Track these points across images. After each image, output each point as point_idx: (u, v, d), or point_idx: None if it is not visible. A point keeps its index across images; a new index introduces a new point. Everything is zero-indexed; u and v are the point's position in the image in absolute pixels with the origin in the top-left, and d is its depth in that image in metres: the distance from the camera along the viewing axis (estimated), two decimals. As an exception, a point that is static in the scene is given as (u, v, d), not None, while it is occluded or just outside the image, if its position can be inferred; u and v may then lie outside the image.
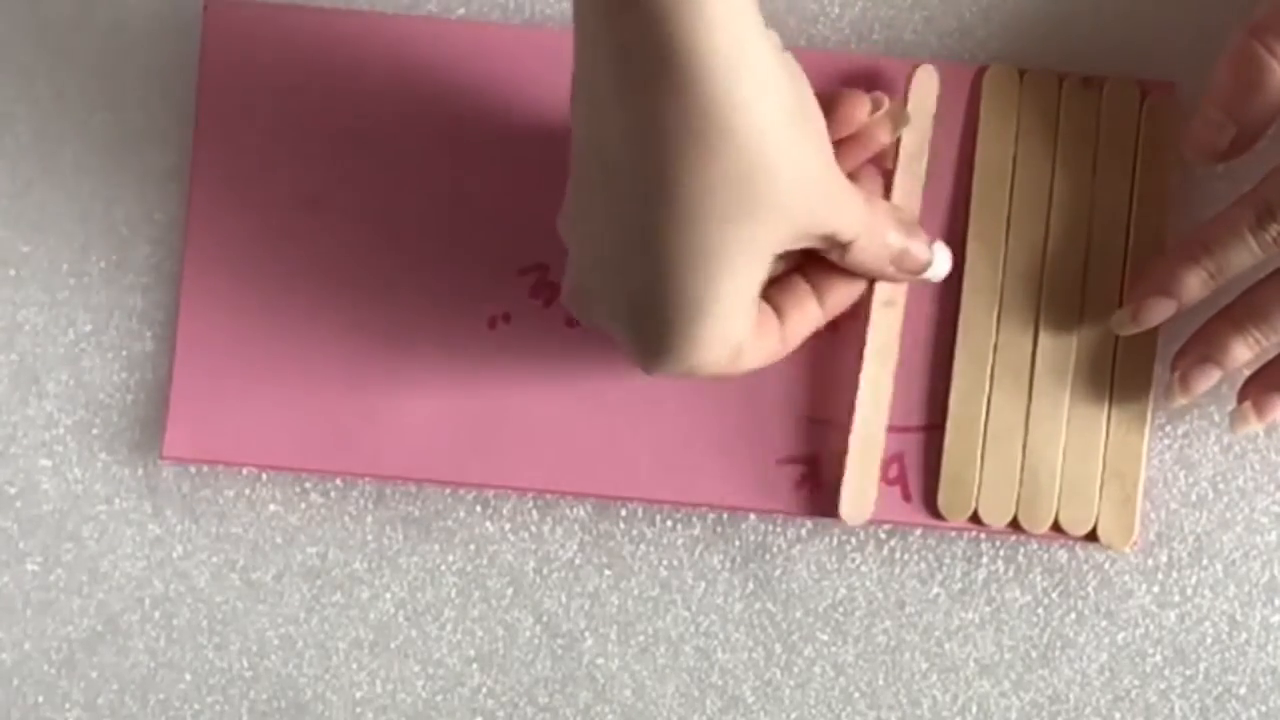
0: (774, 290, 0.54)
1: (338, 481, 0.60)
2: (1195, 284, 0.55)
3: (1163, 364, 0.57)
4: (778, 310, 0.53)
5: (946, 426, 0.58)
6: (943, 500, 0.58)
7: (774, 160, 0.47)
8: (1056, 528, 0.57)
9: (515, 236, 0.59)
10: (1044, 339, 0.58)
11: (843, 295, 0.55)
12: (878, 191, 0.56)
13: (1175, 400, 0.56)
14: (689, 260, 0.47)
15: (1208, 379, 0.56)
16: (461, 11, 0.59)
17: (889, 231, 0.53)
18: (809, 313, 0.54)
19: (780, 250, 0.49)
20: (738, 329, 0.50)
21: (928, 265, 0.55)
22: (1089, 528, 0.57)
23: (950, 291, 0.58)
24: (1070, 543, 0.58)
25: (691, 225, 0.47)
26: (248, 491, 0.60)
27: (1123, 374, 0.57)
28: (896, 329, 0.57)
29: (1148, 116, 0.57)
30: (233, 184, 0.59)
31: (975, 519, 0.58)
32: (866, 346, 0.57)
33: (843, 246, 0.52)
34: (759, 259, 0.49)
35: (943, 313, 0.58)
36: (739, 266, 0.48)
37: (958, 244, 0.57)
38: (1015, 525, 0.57)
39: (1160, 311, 0.55)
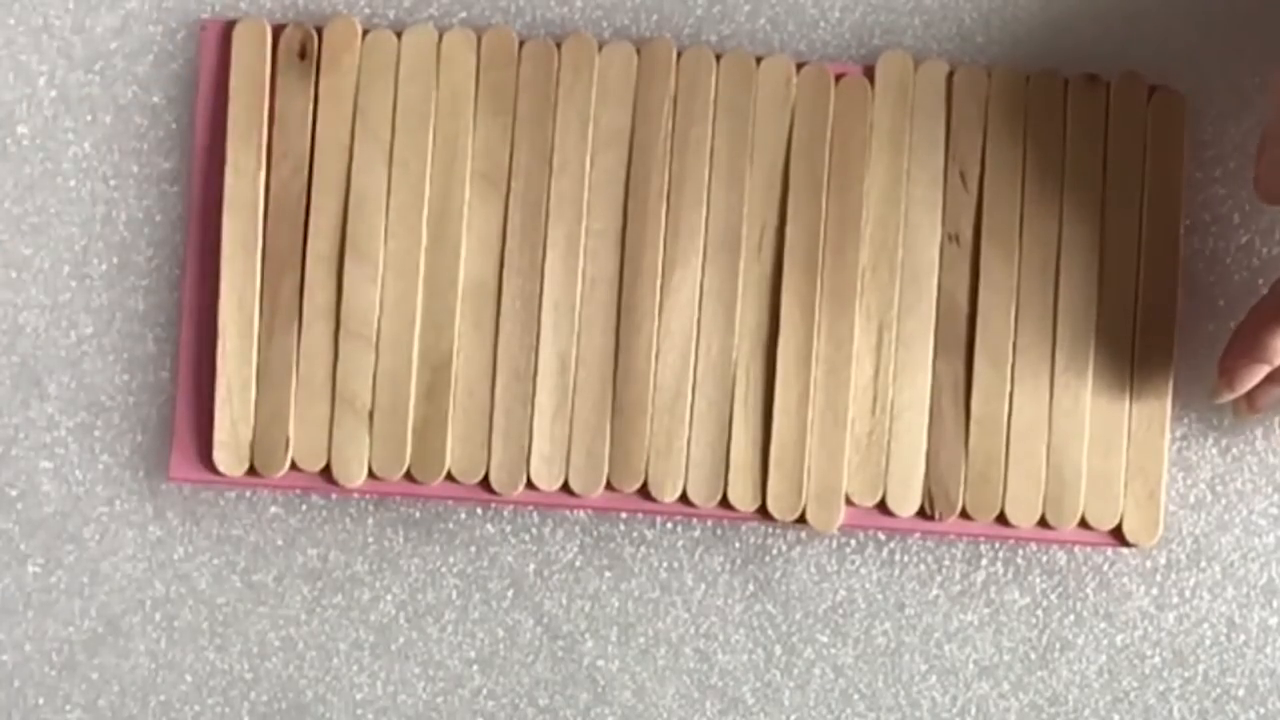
0: None
1: (339, 484, 0.60)
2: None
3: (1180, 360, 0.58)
4: None
5: (970, 428, 0.58)
6: (969, 500, 0.58)
7: None
8: (1082, 525, 0.58)
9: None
10: (1062, 337, 0.58)
11: None
12: None
13: (1222, 397, 0.56)
14: None
15: (1254, 377, 0.55)
16: (463, 15, 0.60)
17: None
18: None
19: None
20: None
21: None
22: (1115, 524, 0.57)
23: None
24: (1071, 546, 0.58)
25: None
26: (248, 493, 0.60)
27: (1142, 371, 0.57)
28: None
29: (1154, 113, 0.58)
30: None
31: (1002, 519, 0.58)
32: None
33: None
34: None
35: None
36: None
37: (971, 246, 0.58)
38: (1043, 523, 0.58)
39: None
